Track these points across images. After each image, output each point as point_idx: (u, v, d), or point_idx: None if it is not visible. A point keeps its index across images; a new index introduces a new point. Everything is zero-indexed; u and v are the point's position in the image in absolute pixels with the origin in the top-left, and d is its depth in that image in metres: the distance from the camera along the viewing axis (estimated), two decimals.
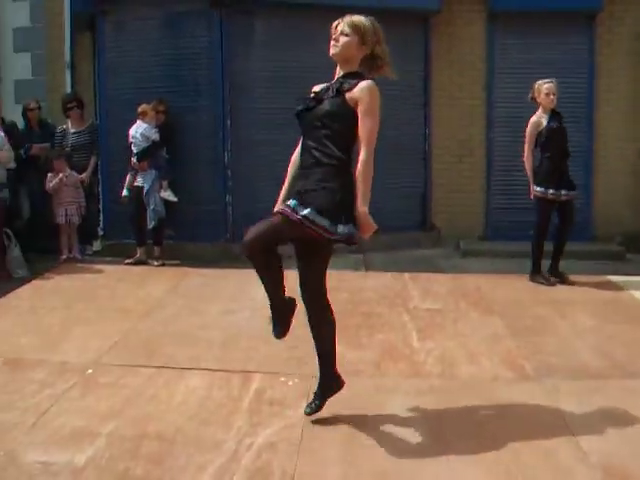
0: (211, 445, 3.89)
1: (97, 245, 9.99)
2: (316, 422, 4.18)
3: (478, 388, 4.78)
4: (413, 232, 10.23)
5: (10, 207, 8.81)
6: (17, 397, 4.61)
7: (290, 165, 4.40)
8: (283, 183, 4.41)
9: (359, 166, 3.88)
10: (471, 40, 10.30)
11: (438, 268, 8.75)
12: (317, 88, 4.19)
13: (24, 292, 7.63)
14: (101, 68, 9.94)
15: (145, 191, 8.91)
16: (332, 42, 4.05)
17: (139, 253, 9.07)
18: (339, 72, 4.12)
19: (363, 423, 4.18)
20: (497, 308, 6.71)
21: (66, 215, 9.17)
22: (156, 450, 3.86)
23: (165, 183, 9.00)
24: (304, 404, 4.39)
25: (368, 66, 4.13)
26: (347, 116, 3.92)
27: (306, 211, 3.80)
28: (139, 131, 8.91)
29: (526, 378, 4.98)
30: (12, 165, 8.77)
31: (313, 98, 4.09)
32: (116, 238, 9.79)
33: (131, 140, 8.97)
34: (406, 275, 8.10)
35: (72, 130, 9.65)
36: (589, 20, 10.27)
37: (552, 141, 7.72)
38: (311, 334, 4.23)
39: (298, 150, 4.32)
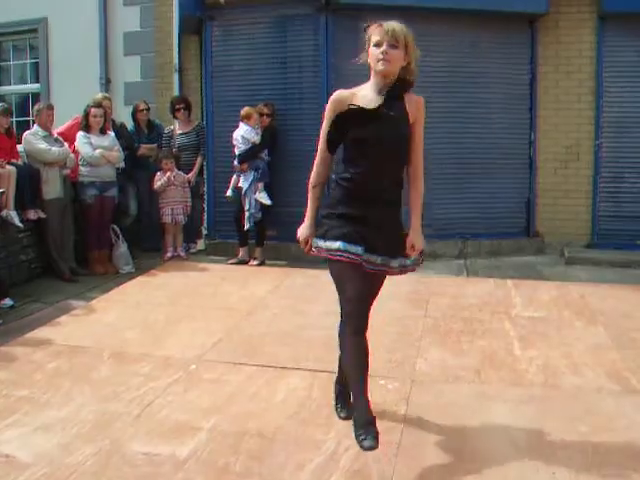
0: (310, 444, 3.92)
1: (201, 244, 10.20)
2: (415, 427, 4.17)
3: (582, 399, 4.66)
4: (517, 238, 10.06)
5: (118, 205, 9.08)
6: (122, 389, 4.75)
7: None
8: None
9: (420, 185, 3.97)
10: (579, 42, 10.05)
11: (542, 275, 8.58)
12: (362, 101, 3.92)
13: (130, 288, 7.85)
14: (208, 71, 10.12)
15: (243, 192, 9.04)
16: (381, 56, 3.81)
17: (241, 253, 9.22)
18: (378, 83, 3.91)
19: (462, 430, 4.14)
20: (602, 318, 6.53)
21: (172, 214, 9.39)
22: (256, 447, 3.91)
23: (261, 185, 9.07)
24: (404, 408, 4.40)
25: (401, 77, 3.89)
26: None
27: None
28: (240, 133, 9.05)
29: (632, 391, 4.82)
30: (121, 165, 9.03)
31: (379, 116, 3.83)
32: (220, 237, 9.98)
33: (234, 142, 9.12)
34: (509, 282, 7.99)
35: (179, 131, 9.88)
36: None
37: None
38: None
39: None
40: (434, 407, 4.46)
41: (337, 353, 5.35)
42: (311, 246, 3.95)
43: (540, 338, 5.95)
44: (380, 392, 4.68)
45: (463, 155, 9.82)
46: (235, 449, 3.87)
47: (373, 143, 3.79)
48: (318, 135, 9.78)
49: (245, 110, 9.06)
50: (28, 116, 11.24)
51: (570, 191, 10.10)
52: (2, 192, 7.60)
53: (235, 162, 9.13)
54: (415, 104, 3.87)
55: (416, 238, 3.88)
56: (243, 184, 9.06)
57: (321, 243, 3.84)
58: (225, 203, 9.49)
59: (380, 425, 4.11)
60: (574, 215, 10.08)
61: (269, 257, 9.23)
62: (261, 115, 9.22)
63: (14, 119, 9.54)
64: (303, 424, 4.20)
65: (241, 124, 9.09)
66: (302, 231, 4.01)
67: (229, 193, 9.25)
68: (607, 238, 9.91)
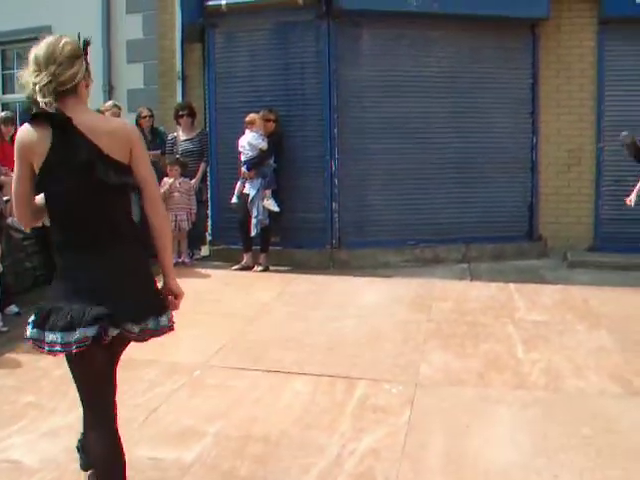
0: (315, 449, 3.95)
1: (205, 250, 10.22)
2: (419, 430, 4.19)
3: (584, 402, 4.69)
4: (520, 242, 10.08)
5: None
6: (128, 395, 4.76)
7: None
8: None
9: None
10: (580, 47, 10.09)
11: (544, 279, 8.60)
12: None
13: None
14: (211, 78, 10.15)
15: (250, 199, 9.06)
16: None
17: (245, 259, 9.23)
18: None
19: (466, 433, 4.16)
20: (605, 321, 6.53)
21: (176, 220, 9.40)
22: (261, 451, 3.94)
23: (268, 192, 9.10)
24: (408, 412, 4.42)
25: None
26: None
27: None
28: (247, 140, 9.08)
29: (634, 393, 4.84)
30: None
31: None
32: (223, 243, 9.99)
33: (240, 149, 9.15)
34: (512, 285, 7.98)
35: (182, 137, 9.91)
36: None
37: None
38: None
39: None
40: (438, 410, 4.49)
41: (340, 358, 5.41)
42: None
43: (543, 342, 5.96)
44: (384, 396, 4.73)
45: (466, 160, 9.86)
46: (240, 453, 3.90)
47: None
48: (322, 141, 9.80)
49: (250, 116, 9.09)
50: None
51: (572, 195, 10.13)
52: (7, 200, 7.63)
53: (244, 169, 9.15)
54: None
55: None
56: (250, 191, 9.08)
57: None
58: (229, 209, 9.51)
59: (384, 428, 4.17)
60: (577, 219, 10.11)
61: (272, 263, 9.26)
62: (266, 121, 9.25)
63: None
64: (307, 428, 4.23)
65: (247, 131, 9.12)
66: None
67: (234, 200, 9.27)
68: (610, 241, 9.92)
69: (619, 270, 8.95)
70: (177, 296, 3.16)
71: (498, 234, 9.94)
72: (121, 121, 3.74)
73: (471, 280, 8.61)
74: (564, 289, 7.90)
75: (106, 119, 3.66)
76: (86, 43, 3.05)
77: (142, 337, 3.03)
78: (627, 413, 4.48)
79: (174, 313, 3.11)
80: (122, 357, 4.84)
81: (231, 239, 9.74)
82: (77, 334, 2.84)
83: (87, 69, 3.02)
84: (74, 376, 3.05)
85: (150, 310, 3.01)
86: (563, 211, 10.13)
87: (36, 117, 2.85)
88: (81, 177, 2.85)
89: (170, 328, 3.09)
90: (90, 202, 2.89)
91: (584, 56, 10.07)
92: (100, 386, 3.07)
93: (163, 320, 3.05)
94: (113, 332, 2.88)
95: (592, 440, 4.06)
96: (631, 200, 7.64)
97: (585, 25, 10.04)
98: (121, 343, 3.07)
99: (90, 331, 2.83)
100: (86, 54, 3.02)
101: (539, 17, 9.85)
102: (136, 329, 2.97)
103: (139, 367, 5.31)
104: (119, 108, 9.55)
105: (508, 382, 5.06)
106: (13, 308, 7.07)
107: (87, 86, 3.05)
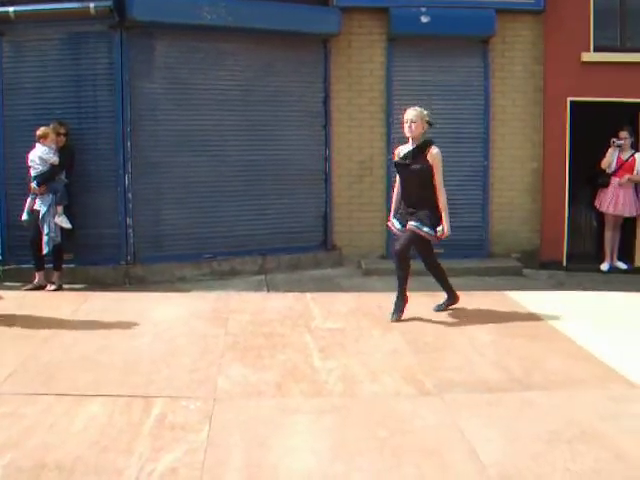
0: (112, 472, 3.84)
1: None
2: (219, 445, 4.17)
3: (379, 405, 4.84)
4: (315, 252, 10.33)
5: None
6: None
7: None
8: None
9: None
10: (370, 62, 10.50)
11: (340, 287, 8.84)
12: None
13: None
14: None
15: (41, 216, 8.75)
16: None
17: (38, 278, 8.91)
18: None
19: (266, 445, 4.18)
20: (398, 325, 6.80)
21: None
22: None
23: (60, 208, 8.84)
24: (206, 428, 4.39)
25: None
26: None
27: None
28: (37, 154, 8.76)
29: (426, 393, 5.05)
30: None
31: None
32: (15, 263, 9.58)
33: (30, 164, 8.80)
34: (308, 295, 8.12)
35: None
36: (483, 44, 10.61)
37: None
38: None
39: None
40: (236, 424, 4.49)
41: (137, 377, 5.31)
42: None
43: (339, 349, 6.11)
44: (182, 413, 4.67)
45: (260, 172, 10.00)
46: None
47: None
48: (115, 154, 9.68)
49: (41, 130, 8.78)
50: None
51: (364, 204, 10.50)
52: None
53: (33, 184, 8.81)
54: None
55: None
56: (41, 207, 8.77)
57: None
58: (19, 227, 9.14)
59: (183, 446, 4.12)
60: (369, 227, 10.48)
61: (66, 281, 8.98)
62: (57, 135, 8.96)
63: None
64: (104, 452, 4.11)
65: (37, 145, 8.80)
66: None
67: (25, 217, 8.91)
68: None
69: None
70: None
71: (294, 245, 10.15)
72: None
73: (268, 291, 8.72)
74: (359, 296, 8.14)
75: None
76: None
77: None
78: (420, 412, 4.68)
79: None
80: None
81: (22, 258, 9.38)
82: None
83: None
84: None
85: None
86: (356, 220, 10.47)
87: None
88: None
89: None
90: None
91: (374, 71, 10.48)
92: None
93: None
94: None
95: (387, 441, 4.20)
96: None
97: (375, 41, 10.47)
98: None
99: None
100: None
101: (330, 33, 10.17)
102: None
103: None
104: None
105: (305, 391, 5.14)
106: None
107: None
